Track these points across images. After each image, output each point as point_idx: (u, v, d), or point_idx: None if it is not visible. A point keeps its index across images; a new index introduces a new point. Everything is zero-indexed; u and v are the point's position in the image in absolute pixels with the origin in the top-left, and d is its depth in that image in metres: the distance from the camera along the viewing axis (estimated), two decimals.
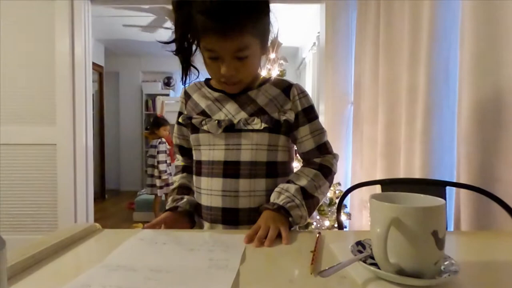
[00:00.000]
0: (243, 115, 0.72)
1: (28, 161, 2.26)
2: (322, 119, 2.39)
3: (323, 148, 0.77)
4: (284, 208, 0.66)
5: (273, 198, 0.69)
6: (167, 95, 5.06)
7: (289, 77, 2.21)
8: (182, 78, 0.71)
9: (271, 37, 0.71)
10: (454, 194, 1.06)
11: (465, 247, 0.60)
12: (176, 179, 0.84)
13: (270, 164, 0.73)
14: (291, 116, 0.72)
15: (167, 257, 0.51)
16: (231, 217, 0.72)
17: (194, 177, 0.79)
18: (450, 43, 1.16)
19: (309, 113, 0.75)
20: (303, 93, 0.76)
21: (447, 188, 0.91)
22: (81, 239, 0.57)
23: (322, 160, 0.76)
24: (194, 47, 0.68)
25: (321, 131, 0.77)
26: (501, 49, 0.90)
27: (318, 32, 2.69)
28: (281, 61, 1.83)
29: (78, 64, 2.29)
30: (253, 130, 0.71)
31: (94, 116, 2.58)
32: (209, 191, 0.74)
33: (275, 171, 0.75)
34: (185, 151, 0.84)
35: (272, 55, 1.86)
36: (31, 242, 0.53)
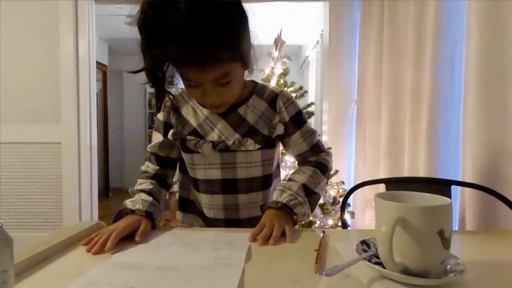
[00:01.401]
0: (236, 136, 0.71)
1: (33, 159, 2.28)
2: (325, 117, 2.39)
3: (316, 148, 0.78)
4: (288, 206, 0.66)
5: (275, 196, 0.69)
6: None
7: (292, 76, 2.21)
8: (157, 104, 0.65)
9: (252, 53, 0.65)
10: (459, 193, 1.05)
11: (470, 246, 0.60)
12: (143, 182, 0.74)
13: (265, 177, 0.76)
14: (280, 129, 0.74)
15: (172, 256, 0.51)
16: (233, 226, 0.76)
17: (192, 190, 0.79)
18: (455, 40, 1.15)
19: (297, 120, 0.76)
20: (289, 101, 0.75)
21: (452, 187, 0.90)
22: (86, 237, 0.57)
23: (317, 158, 0.77)
24: (168, 74, 0.61)
25: (311, 132, 0.77)
26: (508, 46, 0.89)
27: (322, 30, 2.67)
28: (285, 59, 1.83)
29: (82, 63, 2.30)
30: (247, 150, 0.72)
31: (98, 115, 2.58)
32: (210, 205, 0.76)
33: (270, 181, 0.78)
34: (163, 160, 0.77)
35: (275, 54, 1.85)
36: (37, 240, 0.53)
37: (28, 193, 2.28)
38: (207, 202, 0.76)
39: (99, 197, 2.60)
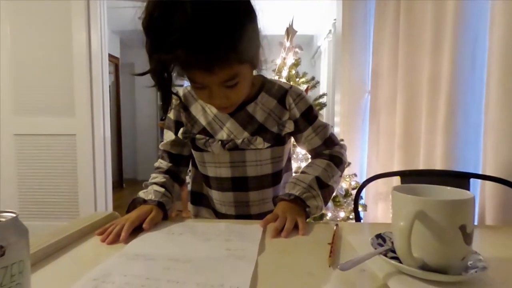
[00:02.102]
0: (245, 134, 0.71)
1: (49, 150, 2.34)
2: (337, 108, 2.34)
3: (329, 142, 0.77)
4: (301, 199, 0.65)
5: (288, 188, 0.68)
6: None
7: (304, 66, 2.17)
8: (163, 106, 0.65)
9: (261, 52, 0.63)
10: (478, 186, 1.01)
11: (492, 242, 0.57)
12: (156, 176, 0.74)
13: (275, 174, 0.76)
14: (290, 127, 0.72)
15: (184, 247, 0.51)
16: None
17: (204, 186, 0.79)
18: (478, 27, 1.09)
19: (308, 116, 0.74)
20: (299, 97, 0.73)
21: (471, 180, 0.87)
22: (101, 227, 0.58)
23: (331, 151, 0.76)
24: (174, 75, 0.60)
25: (323, 126, 0.76)
26: None
27: (334, 19, 2.60)
28: (296, 49, 1.79)
29: (94, 56, 2.33)
30: (256, 149, 0.71)
31: (111, 107, 2.62)
32: (222, 201, 0.76)
33: (280, 178, 0.77)
34: (176, 158, 0.78)
35: (287, 43, 1.82)
36: (53, 229, 0.54)
37: (45, 183, 2.35)
38: (218, 199, 0.77)
39: (113, 188, 2.66)
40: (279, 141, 0.73)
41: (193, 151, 0.76)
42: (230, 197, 0.75)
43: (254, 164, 0.73)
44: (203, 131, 0.73)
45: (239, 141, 0.70)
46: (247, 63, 0.60)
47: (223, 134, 0.71)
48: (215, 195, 0.77)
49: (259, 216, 0.74)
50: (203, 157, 0.75)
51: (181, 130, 0.74)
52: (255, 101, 0.72)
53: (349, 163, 1.78)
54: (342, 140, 1.95)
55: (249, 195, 0.75)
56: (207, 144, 0.71)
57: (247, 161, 0.72)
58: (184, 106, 0.75)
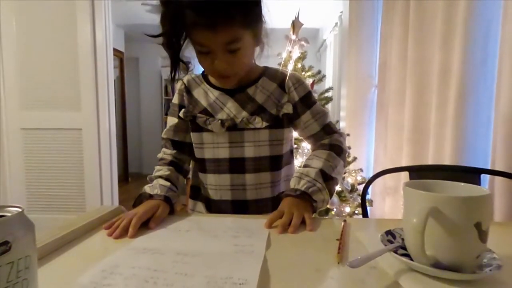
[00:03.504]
0: (244, 114, 0.72)
1: (56, 145, 2.36)
2: (343, 103, 2.32)
3: (328, 129, 0.76)
4: (307, 194, 0.64)
5: (293, 183, 0.68)
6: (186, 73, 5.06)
7: (309, 60, 2.14)
8: (171, 73, 0.69)
9: (264, 27, 0.68)
10: (487, 182, 0.99)
11: (506, 240, 0.56)
12: (161, 169, 0.74)
13: (273, 157, 0.75)
14: (288, 108, 0.73)
15: (192, 242, 0.51)
16: (240, 208, 0.75)
17: (199, 174, 0.79)
18: (490, 17, 1.06)
19: (307, 100, 0.75)
20: (298, 82, 0.76)
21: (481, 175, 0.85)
22: (107, 220, 0.58)
23: (330, 140, 0.76)
24: (183, 41, 0.66)
25: (323, 113, 0.77)
26: None
27: (341, 12, 2.56)
28: (302, 42, 1.76)
29: (99, 50, 2.32)
30: (254, 128, 0.72)
31: (116, 101, 2.62)
32: (217, 186, 0.75)
33: (279, 163, 0.76)
34: (179, 145, 0.79)
35: (293, 37, 1.79)
36: (60, 223, 0.54)
37: (52, 177, 2.38)
38: (214, 183, 0.75)
39: (119, 182, 2.68)
40: (277, 122, 0.73)
41: (192, 134, 0.77)
42: (226, 179, 0.74)
43: (253, 144, 0.73)
44: (204, 111, 0.75)
45: (238, 120, 0.72)
46: (249, 30, 0.64)
47: (223, 114, 0.73)
48: (211, 180, 0.76)
49: (255, 203, 0.74)
50: (202, 138, 0.75)
51: (182, 110, 0.76)
52: (255, 84, 0.74)
53: (355, 158, 1.76)
54: (348, 134, 1.94)
55: (245, 177, 0.74)
56: (207, 122, 0.73)
57: (245, 141, 0.73)
58: (187, 89, 0.78)
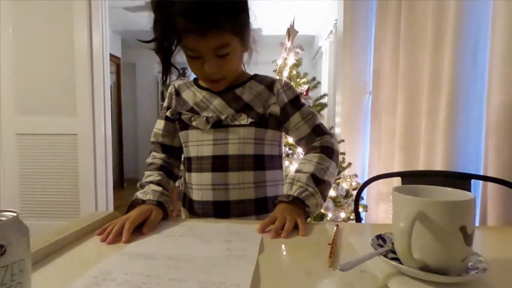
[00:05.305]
0: (230, 111, 0.74)
1: (51, 150, 2.35)
2: (338, 109, 2.34)
3: (319, 130, 0.77)
4: (299, 199, 0.65)
5: (286, 190, 0.68)
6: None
7: (305, 66, 2.17)
8: (163, 77, 0.71)
9: (251, 34, 0.72)
10: (480, 188, 1.01)
11: (493, 243, 0.57)
12: (151, 174, 0.74)
13: (257, 157, 0.75)
14: (275, 109, 0.75)
15: (185, 247, 0.51)
16: (222, 210, 0.74)
17: (185, 173, 0.80)
18: (479, 27, 1.09)
19: (296, 103, 0.77)
20: (287, 86, 0.77)
21: (472, 181, 0.87)
22: (101, 226, 0.58)
23: (321, 142, 0.75)
24: (174, 47, 0.68)
25: (312, 114, 0.77)
26: None
27: (336, 20, 2.60)
28: (297, 50, 1.79)
29: (96, 56, 2.33)
30: (239, 125, 0.73)
31: (112, 107, 2.62)
32: (200, 185, 0.75)
33: (263, 164, 0.76)
34: (167, 149, 0.80)
35: (288, 44, 1.82)
36: (54, 229, 0.54)
37: (46, 183, 2.36)
38: (196, 182, 0.75)
39: (114, 187, 2.67)
40: (263, 121, 0.74)
41: (180, 134, 0.78)
42: (208, 178, 0.73)
43: (237, 142, 0.73)
44: (191, 110, 0.77)
45: (223, 117, 0.73)
46: (238, 36, 0.67)
47: (209, 112, 0.75)
48: (194, 179, 0.76)
49: (238, 204, 0.73)
50: (187, 136, 0.76)
51: (169, 110, 0.79)
52: (243, 85, 0.76)
53: (350, 164, 1.78)
54: (342, 140, 1.96)
55: (228, 176, 0.73)
56: (192, 119, 0.74)
57: (229, 139, 0.73)
58: (177, 92, 0.81)
